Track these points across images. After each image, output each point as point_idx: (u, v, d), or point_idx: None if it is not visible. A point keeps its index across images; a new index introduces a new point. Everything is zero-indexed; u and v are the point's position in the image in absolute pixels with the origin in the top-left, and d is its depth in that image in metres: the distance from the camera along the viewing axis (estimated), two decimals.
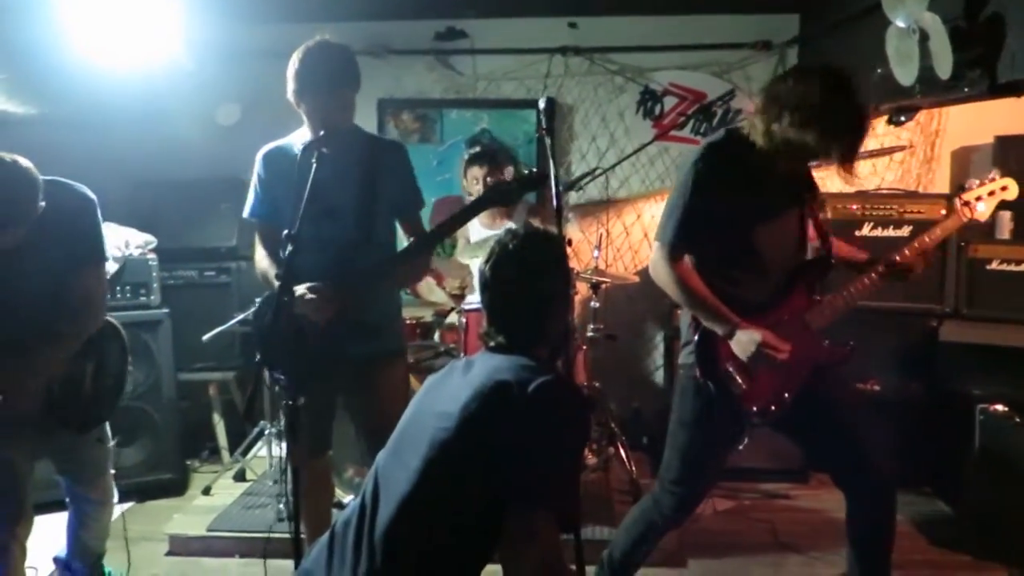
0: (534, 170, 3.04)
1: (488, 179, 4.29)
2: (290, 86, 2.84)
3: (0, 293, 2.73)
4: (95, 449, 3.12)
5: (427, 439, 1.96)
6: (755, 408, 2.72)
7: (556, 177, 2.52)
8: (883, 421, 4.21)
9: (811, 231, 2.86)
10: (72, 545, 3.25)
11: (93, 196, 2.89)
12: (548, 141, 2.55)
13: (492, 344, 2.11)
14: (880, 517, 2.77)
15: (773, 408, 2.72)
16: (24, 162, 2.65)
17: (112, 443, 3.22)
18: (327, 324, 2.79)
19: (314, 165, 2.59)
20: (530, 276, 2.08)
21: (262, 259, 2.98)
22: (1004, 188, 2.93)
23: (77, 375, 2.95)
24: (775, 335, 2.64)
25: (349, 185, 2.90)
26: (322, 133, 2.70)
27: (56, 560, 3.35)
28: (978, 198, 2.92)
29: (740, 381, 2.68)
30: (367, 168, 2.93)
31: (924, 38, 3.04)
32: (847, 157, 2.55)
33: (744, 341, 2.63)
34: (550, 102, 2.58)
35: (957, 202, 2.95)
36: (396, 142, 3.18)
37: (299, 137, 2.98)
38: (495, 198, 2.84)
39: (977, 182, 2.95)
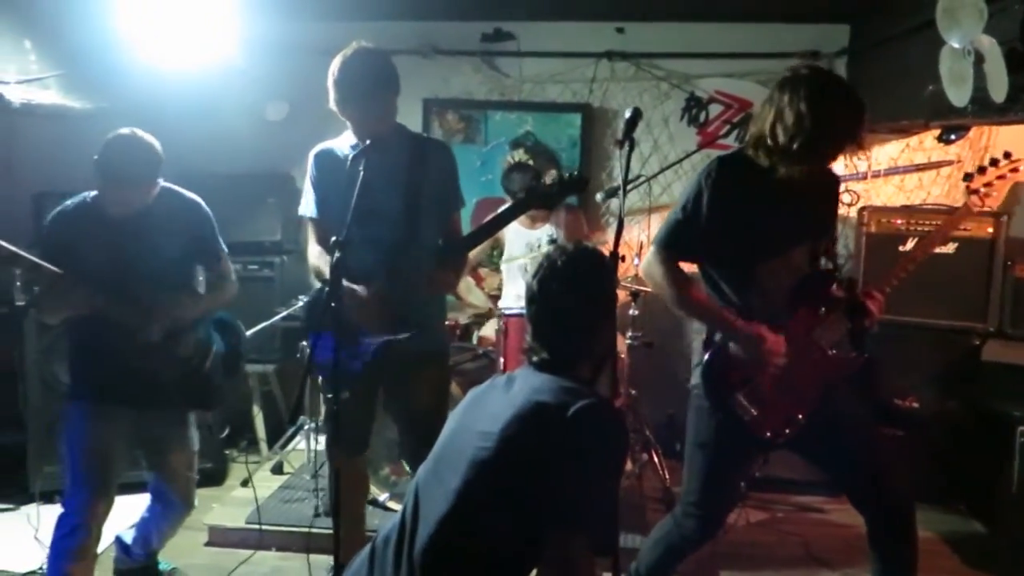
0: (574, 173, 3.03)
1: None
2: (331, 95, 2.89)
3: (120, 254, 2.93)
4: (186, 445, 3.23)
5: (467, 459, 1.96)
6: (768, 434, 2.68)
7: (624, 191, 2.56)
8: (916, 437, 4.26)
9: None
10: (139, 535, 3.34)
11: (205, 205, 3.20)
12: (626, 150, 2.57)
13: (535, 359, 2.11)
14: (898, 538, 2.72)
15: (788, 431, 2.69)
16: (142, 133, 2.93)
17: (197, 447, 3.32)
18: (371, 324, 2.86)
19: (361, 173, 2.65)
20: (578, 295, 2.08)
21: (315, 256, 3.05)
22: (1015, 169, 2.87)
23: (205, 352, 3.15)
24: (773, 334, 2.60)
25: (396, 187, 2.94)
26: (368, 142, 2.75)
27: (118, 539, 3.43)
28: (988, 184, 2.86)
29: (750, 408, 2.64)
30: (413, 169, 2.98)
31: (979, 60, 3.01)
32: (849, 149, 2.59)
33: (746, 342, 2.61)
34: (636, 112, 2.59)
35: (966, 191, 2.90)
36: (442, 142, 3.23)
37: (347, 139, 3.03)
38: (534, 202, 2.88)
39: (987, 167, 2.89)
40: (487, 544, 1.94)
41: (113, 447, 3.01)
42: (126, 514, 3.45)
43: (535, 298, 2.12)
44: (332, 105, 2.89)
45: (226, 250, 3.28)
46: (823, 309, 2.74)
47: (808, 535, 4.09)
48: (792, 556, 3.92)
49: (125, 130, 2.92)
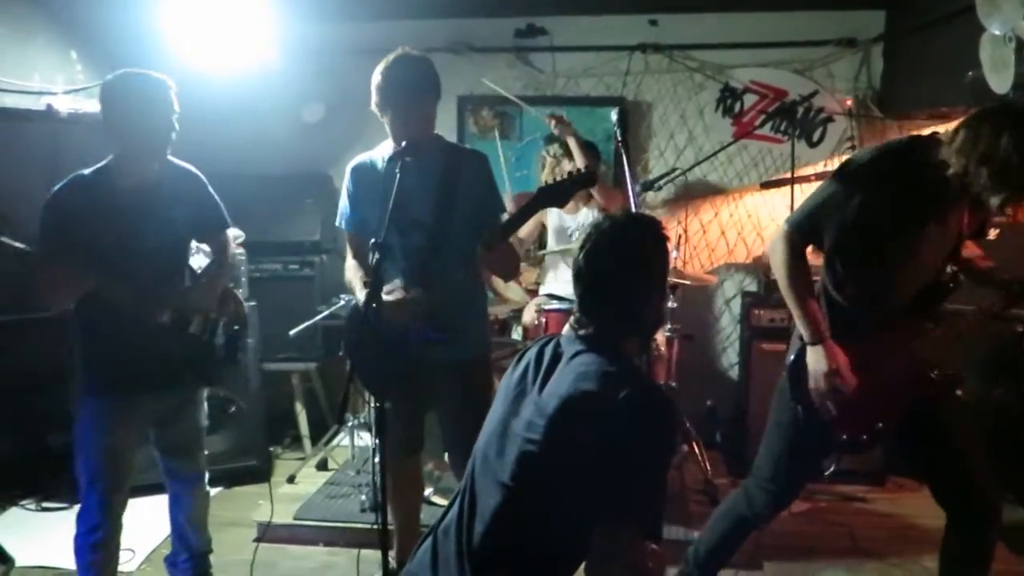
0: (582, 170, 3.05)
1: (559, 167, 4.45)
2: (373, 98, 2.92)
3: (131, 228, 2.88)
4: (197, 420, 3.23)
5: (515, 451, 1.95)
6: (845, 436, 2.66)
7: (634, 191, 2.57)
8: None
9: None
10: (174, 533, 3.36)
11: (200, 173, 3.14)
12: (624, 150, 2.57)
13: (580, 333, 2.05)
14: (980, 544, 2.67)
15: (865, 437, 2.66)
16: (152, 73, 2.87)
17: (206, 422, 3.33)
18: (414, 329, 2.89)
19: (398, 175, 2.67)
20: (625, 261, 2.01)
21: (350, 268, 3.09)
22: None
23: (213, 326, 3.13)
24: (848, 367, 2.55)
25: (430, 194, 2.97)
26: (404, 144, 2.78)
27: (166, 562, 3.44)
28: None
29: (831, 408, 2.60)
30: (448, 178, 3.00)
31: (1020, 46, 2.98)
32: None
33: (817, 360, 2.57)
34: (622, 113, 2.57)
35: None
36: (477, 152, 3.21)
37: (383, 150, 3.06)
38: (547, 200, 2.85)
39: None
40: (539, 535, 1.94)
41: (128, 441, 2.99)
42: (146, 517, 3.49)
43: (581, 271, 2.04)
44: (373, 107, 2.93)
45: (226, 217, 3.24)
46: (930, 323, 2.67)
47: (853, 525, 4.07)
48: (838, 547, 3.90)
49: (133, 71, 2.84)
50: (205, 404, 3.28)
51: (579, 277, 2.05)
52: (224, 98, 4.55)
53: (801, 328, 2.63)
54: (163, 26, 3.94)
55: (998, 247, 4.29)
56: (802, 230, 2.63)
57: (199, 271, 3.25)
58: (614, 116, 2.56)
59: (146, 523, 3.83)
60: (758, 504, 2.90)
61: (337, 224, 3.17)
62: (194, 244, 3.29)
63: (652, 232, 2.07)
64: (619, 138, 2.63)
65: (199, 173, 3.12)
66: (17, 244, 2.77)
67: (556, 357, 2.06)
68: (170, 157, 2.99)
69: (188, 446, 3.23)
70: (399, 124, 2.90)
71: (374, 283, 2.58)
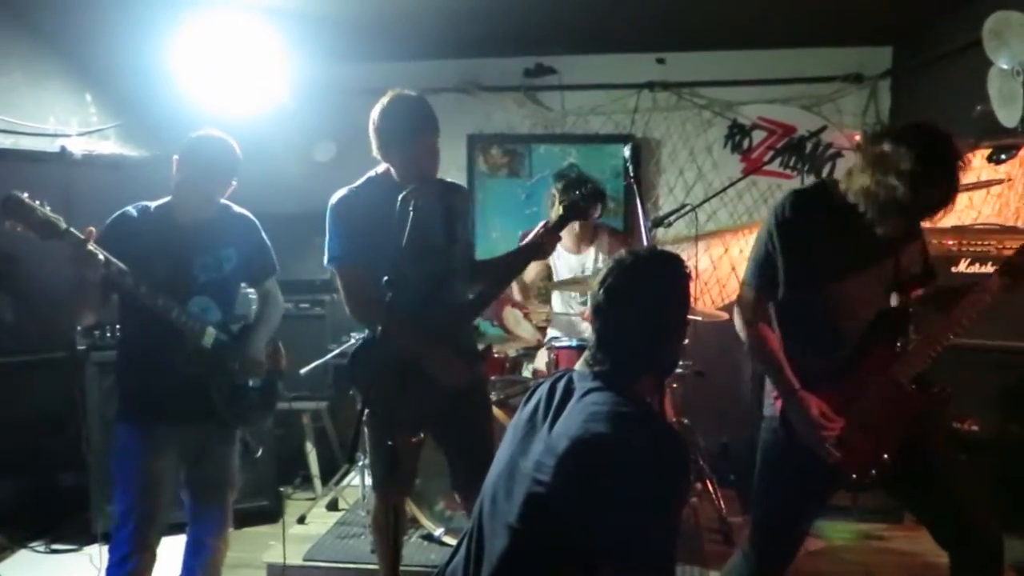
0: (589, 188, 3.11)
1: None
2: (374, 143, 2.95)
3: (186, 262, 2.97)
4: (228, 459, 3.19)
5: (523, 493, 1.90)
6: (855, 475, 2.61)
7: (646, 226, 2.59)
8: (978, 461, 4.17)
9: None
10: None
11: (256, 220, 3.29)
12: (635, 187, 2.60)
13: (595, 369, 1.99)
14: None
15: (874, 472, 2.61)
16: (223, 133, 3.04)
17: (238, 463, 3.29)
18: (452, 373, 2.94)
19: (411, 214, 2.69)
20: (646, 297, 1.96)
21: (361, 304, 3.04)
22: None
23: (253, 368, 3.16)
24: (828, 409, 2.53)
25: (435, 226, 3.00)
26: (412, 187, 2.78)
27: None
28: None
29: (833, 451, 2.55)
30: (449, 206, 3.07)
31: None
32: (932, 216, 2.47)
33: (795, 413, 2.55)
34: (634, 148, 2.61)
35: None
36: (460, 185, 3.29)
37: (371, 182, 3.09)
38: (572, 216, 3.08)
39: None
40: None
41: (164, 473, 2.98)
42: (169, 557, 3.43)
43: (600, 306, 1.98)
44: (375, 153, 2.96)
45: (278, 269, 3.35)
46: (899, 345, 2.65)
47: (871, 563, 4.01)
48: None
49: (210, 129, 3.03)
50: (238, 445, 3.26)
51: (598, 312, 2.00)
52: (236, 138, 4.54)
53: (774, 384, 2.64)
54: (177, 67, 3.99)
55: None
56: (759, 286, 2.65)
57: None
58: (627, 152, 2.60)
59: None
60: (755, 566, 2.83)
61: (328, 262, 3.13)
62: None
63: (674, 268, 2.03)
64: (631, 175, 2.66)
65: (254, 218, 3.24)
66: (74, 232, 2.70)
67: (567, 393, 2.01)
68: (228, 202, 3.12)
69: (220, 484, 3.19)
70: (409, 162, 2.91)
71: (387, 322, 2.60)
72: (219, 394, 3.03)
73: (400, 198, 2.81)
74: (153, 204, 3.01)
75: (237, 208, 3.19)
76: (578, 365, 2.08)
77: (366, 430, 3.13)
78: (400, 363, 2.75)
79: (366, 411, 2.61)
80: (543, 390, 2.09)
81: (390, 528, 3.07)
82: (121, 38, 4.21)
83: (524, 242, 3.11)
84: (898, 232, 2.49)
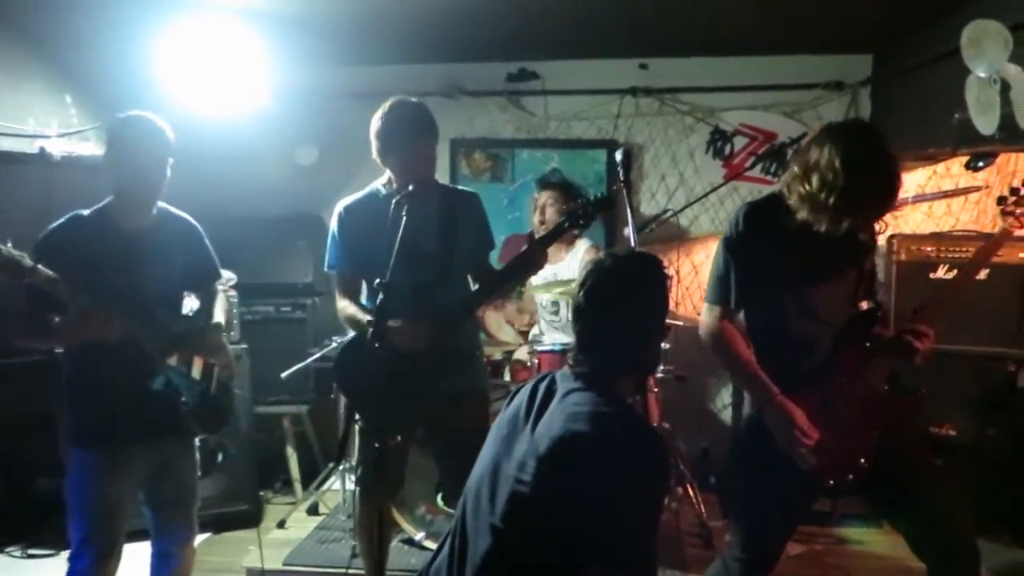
0: (602, 195, 3.10)
1: (551, 207, 4.54)
2: (374, 145, 2.97)
3: (131, 270, 2.81)
4: (191, 470, 3.10)
5: (505, 493, 1.92)
6: (832, 481, 2.60)
7: (635, 231, 2.59)
8: (955, 466, 4.21)
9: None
10: None
11: (197, 223, 3.13)
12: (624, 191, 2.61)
13: (576, 371, 2.02)
14: None
15: (851, 477, 2.60)
16: (154, 117, 2.86)
17: (199, 472, 3.21)
18: (417, 360, 2.90)
19: (404, 218, 2.72)
20: (628, 299, 1.98)
21: (347, 306, 3.07)
22: None
23: (210, 372, 3.05)
24: (805, 418, 2.53)
25: (432, 233, 3.03)
26: (411, 188, 2.81)
27: None
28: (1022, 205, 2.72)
29: (810, 458, 2.54)
30: (447, 217, 3.07)
31: (1005, 88, 3.02)
32: (874, 219, 2.50)
33: (774, 419, 2.54)
34: (626, 153, 2.63)
35: (1001, 215, 2.77)
36: (472, 192, 3.28)
37: (374, 189, 3.10)
38: (573, 222, 3.01)
39: (1019, 187, 2.75)
40: None
41: (123, 496, 2.85)
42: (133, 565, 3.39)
43: (581, 307, 2.01)
44: (375, 155, 2.97)
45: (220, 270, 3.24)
46: (870, 349, 2.65)
47: (851, 567, 4.04)
48: None
49: (139, 113, 2.84)
50: (197, 454, 3.17)
51: (579, 313, 2.03)
52: (218, 141, 4.57)
53: (750, 394, 2.66)
54: (158, 70, 3.97)
55: (988, 288, 4.35)
56: (722, 303, 2.64)
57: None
58: (619, 156, 2.62)
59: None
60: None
61: (327, 267, 3.16)
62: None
63: (654, 270, 2.06)
64: (621, 179, 2.68)
65: (195, 222, 3.11)
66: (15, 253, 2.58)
67: (549, 394, 2.03)
68: (166, 205, 2.98)
69: (183, 498, 3.09)
70: (405, 166, 2.96)
71: (378, 326, 2.60)
72: (184, 406, 2.92)
73: (394, 202, 2.82)
74: (87, 211, 2.84)
75: (177, 212, 3.05)
76: (564, 368, 2.10)
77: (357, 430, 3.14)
78: (387, 364, 2.75)
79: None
80: (525, 391, 2.11)
81: (375, 531, 3.06)
82: (102, 40, 4.19)
83: (520, 253, 3.10)
84: (846, 229, 2.45)
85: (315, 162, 5.40)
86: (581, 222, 3.05)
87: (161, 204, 2.95)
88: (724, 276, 2.61)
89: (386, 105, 2.97)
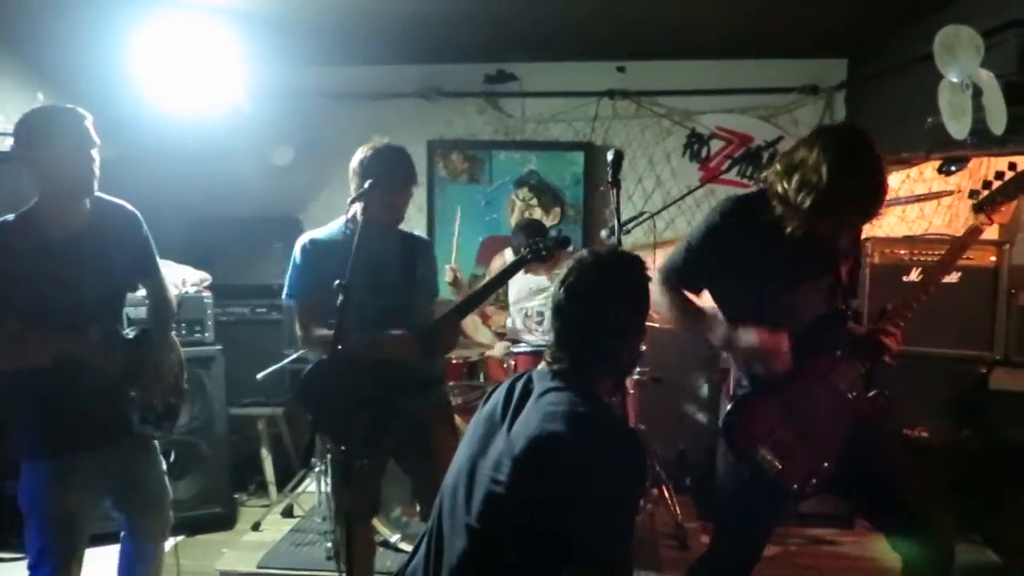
0: (562, 235, 3.22)
1: (528, 211, 4.68)
2: (358, 177, 2.99)
3: (66, 280, 2.66)
4: (155, 478, 3.03)
5: (481, 493, 1.91)
6: (795, 485, 2.61)
7: (620, 232, 2.61)
8: (928, 467, 4.25)
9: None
10: None
11: (136, 211, 2.93)
12: (615, 192, 2.63)
13: (554, 368, 2.00)
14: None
15: (814, 480, 2.61)
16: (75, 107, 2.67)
17: (167, 480, 3.13)
18: (387, 382, 2.96)
19: (357, 242, 2.75)
20: (608, 297, 1.97)
21: (314, 329, 3.06)
22: (1020, 180, 2.73)
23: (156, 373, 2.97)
24: (770, 335, 2.54)
25: (394, 267, 3.11)
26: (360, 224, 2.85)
27: None
28: (994, 200, 2.73)
29: (775, 462, 2.58)
30: (408, 255, 3.16)
31: (977, 93, 3.05)
32: (856, 225, 2.52)
33: (742, 339, 2.57)
34: (618, 154, 2.65)
35: (972, 210, 2.78)
36: (427, 240, 3.39)
37: (333, 227, 3.16)
38: (534, 256, 3.16)
39: (992, 181, 2.76)
40: None
41: (82, 507, 2.75)
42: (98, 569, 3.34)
43: (561, 305, 1.99)
44: (353, 191, 2.98)
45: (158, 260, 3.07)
46: (838, 352, 2.64)
47: (823, 568, 4.06)
48: None
49: (48, 105, 2.67)
50: (159, 452, 3.07)
51: (558, 310, 2.00)
52: (193, 140, 4.54)
53: (711, 338, 2.68)
54: (132, 68, 3.93)
55: (960, 291, 4.40)
56: (668, 277, 2.70)
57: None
58: (610, 156, 2.65)
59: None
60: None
61: (287, 296, 3.16)
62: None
63: (636, 268, 2.04)
64: (609, 180, 2.71)
65: (134, 210, 2.90)
66: None
67: (526, 393, 2.01)
68: (101, 194, 2.76)
69: (157, 500, 3.03)
70: (386, 206, 3.02)
71: (338, 329, 2.59)
72: (132, 408, 2.85)
73: (360, 229, 2.84)
74: (12, 216, 2.65)
75: (113, 200, 2.82)
76: (540, 365, 2.08)
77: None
78: (356, 388, 2.78)
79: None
80: (501, 390, 2.09)
81: (345, 547, 3.03)
82: (76, 37, 4.14)
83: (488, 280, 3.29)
84: (824, 233, 2.47)
85: (291, 163, 5.36)
86: (543, 254, 3.16)
87: (95, 194, 2.74)
88: (685, 252, 2.66)
89: (376, 145, 3.03)
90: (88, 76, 4.22)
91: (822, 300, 2.67)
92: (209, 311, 4.63)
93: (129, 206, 2.89)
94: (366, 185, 2.92)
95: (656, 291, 2.66)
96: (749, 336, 2.56)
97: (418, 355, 2.98)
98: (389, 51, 5.09)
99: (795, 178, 2.43)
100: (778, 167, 2.52)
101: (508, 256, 4.84)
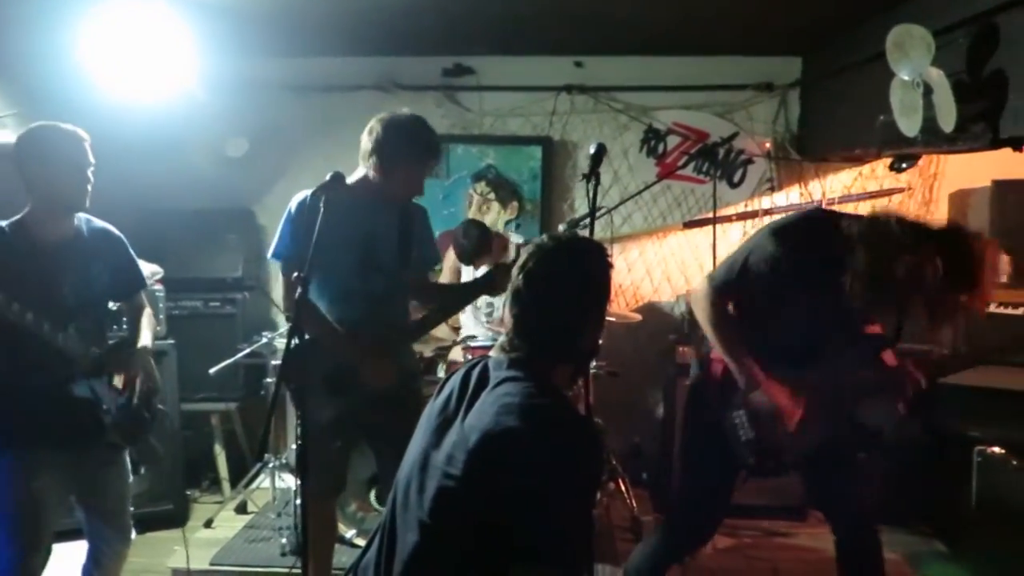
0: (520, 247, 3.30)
1: (486, 205, 4.70)
2: (379, 152, 2.96)
3: (50, 280, 2.79)
4: (119, 479, 3.08)
5: (433, 487, 1.86)
6: (752, 460, 2.74)
7: (593, 224, 2.63)
8: (879, 459, 4.33)
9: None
10: None
11: (121, 234, 3.07)
12: (592, 184, 2.65)
13: (511, 356, 1.94)
14: (864, 556, 2.86)
15: (772, 465, 2.76)
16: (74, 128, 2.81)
17: (131, 479, 3.18)
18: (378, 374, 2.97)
19: (322, 210, 2.67)
20: (569, 282, 1.93)
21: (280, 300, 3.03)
22: None
23: (132, 384, 3.04)
24: (789, 403, 2.65)
25: (391, 244, 3.06)
26: (325, 183, 2.78)
27: None
28: None
29: (748, 430, 2.68)
30: (405, 228, 3.11)
31: (928, 91, 3.10)
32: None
33: (762, 398, 2.68)
34: (600, 147, 2.67)
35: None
36: (421, 206, 3.29)
37: (352, 188, 3.04)
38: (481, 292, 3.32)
39: None
40: (459, 575, 1.86)
41: (46, 498, 2.80)
42: (65, 565, 3.30)
43: (520, 290, 1.93)
44: (368, 160, 2.97)
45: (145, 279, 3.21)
46: (863, 374, 2.72)
47: (776, 559, 4.12)
48: None
49: (45, 123, 2.80)
50: (128, 463, 3.14)
51: (516, 296, 1.94)
52: (145, 130, 4.45)
53: (738, 378, 2.72)
54: (82, 56, 3.84)
55: None
56: (720, 289, 2.74)
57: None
58: (592, 149, 2.66)
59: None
60: (678, 542, 2.99)
61: (272, 255, 3.06)
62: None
63: (596, 255, 2.00)
64: (585, 173, 2.71)
65: (118, 232, 3.05)
66: None
67: (482, 382, 1.96)
68: (88, 216, 2.94)
69: (114, 507, 3.08)
70: (409, 179, 3.01)
71: (299, 317, 2.56)
72: (105, 415, 2.90)
73: (311, 195, 2.81)
74: (5, 223, 2.79)
75: (99, 222, 3.00)
76: (493, 351, 2.03)
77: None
78: (332, 368, 2.83)
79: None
80: (456, 379, 2.04)
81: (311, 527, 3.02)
82: (23, 24, 4.03)
83: (479, 277, 3.37)
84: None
85: (246, 155, 5.27)
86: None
87: (81, 214, 2.90)
88: (740, 267, 2.68)
89: (402, 116, 3.03)
90: (36, 65, 4.13)
91: (830, 332, 2.72)
92: (161, 305, 4.56)
93: (115, 229, 3.04)
94: (371, 158, 2.91)
95: (701, 303, 2.75)
96: (770, 398, 2.66)
97: (391, 383, 2.97)
98: (346, 43, 5.03)
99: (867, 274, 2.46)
100: (865, 257, 2.49)
101: (452, 256, 4.81)
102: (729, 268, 2.73)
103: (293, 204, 3.05)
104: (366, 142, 3.00)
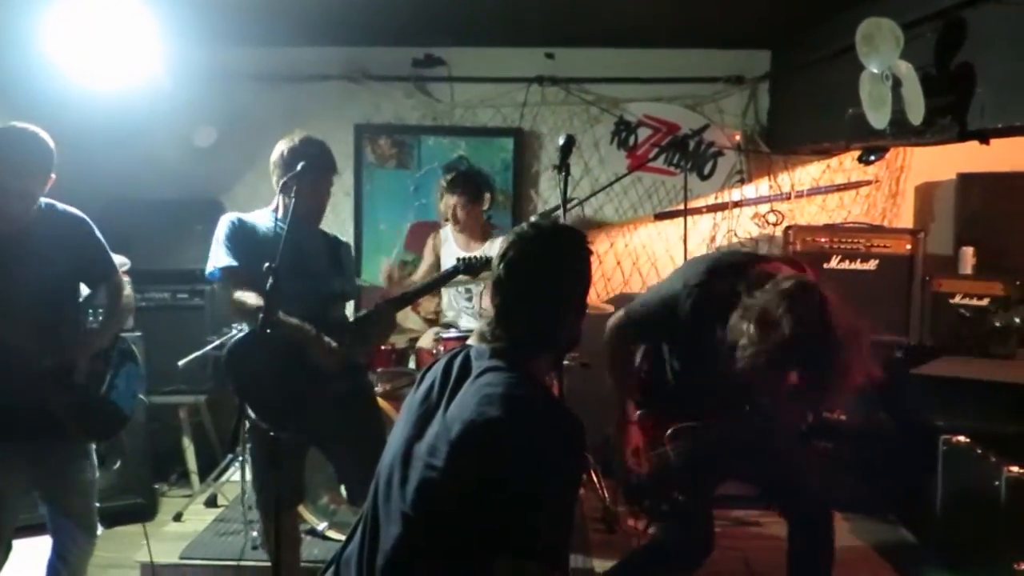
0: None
1: (461, 209, 4.64)
2: (281, 171, 3.04)
3: (8, 271, 2.77)
4: (84, 474, 3.05)
5: (416, 479, 1.85)
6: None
7: (565, 215, 2.67)
8: (845, 449, 4.40)
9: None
10: None
11: (87, 217, 3.02)
12: (563, 176, 2.69)
13: (493, 346, 1.93)
14: (816, 542, 2.95)
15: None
16: (41, 132, 2.78)
17: (97, 474, 3.16)
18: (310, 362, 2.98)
19: (296, 236, 2.86)
20: (550, 271, 1.91)
21: (248, 296, 2.99)
22: None
23: (100, 380, 3.02)
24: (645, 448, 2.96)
25: (321, 260, 3.20)
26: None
27: None
28: None
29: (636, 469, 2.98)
30: (332, 252, 3.28)
31: (897, 84, 3.13)
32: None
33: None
34: (570, 139, 2.70)
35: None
36: (346, 242, 3.46)
37: (261, 215, 3.20)
38: (466, 271, 3.51)
39: None
40: (443, 567, 1.85)
41: (7, 491, 2.82)
42: (29, 559, 3.31)
43: (501, 279, 1.92)
44: (283, 176, 3.01)
45: (115, 262, 3.15)
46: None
47: (747, 549, 4.14)
48: (731, 570, 3.95)
49: (11, 126, 2.77)
50: (94, 457, 3.12)
51: (498, 285, 1.94)
52: (110, 119, 4.38)
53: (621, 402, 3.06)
54: (46, 43, 3.76)
55: (877, 278, 4.54)
56: (626, 328, 2.94)
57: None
58: (562, 140, 2.68)
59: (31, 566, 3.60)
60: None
61: (214, 270, 3.11)
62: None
63: (576, 243, 1.99)
64: (556, 165, 2.76)
65: (86, 218, 3.00)
66: None
67: (464, 371, 1.95)
68: (54, 202, 2.91)
69: (78, 502, 3.06)
70: (315, 191, 3.11)
71: (269, 307, 2.56)
72: (66, 411, 2.87)
73: (290, 218, 2.93)
74: None
75: (63, 206, 2.96)
76: (473, 339, 2.02)
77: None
78: (283, 363, 2.81)
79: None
80: (438, 368, 2.03)
81: (270, 541, 3.03)
82: None
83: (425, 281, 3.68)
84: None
85: (214, 144, 5.20)
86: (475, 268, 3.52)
87: (46, 200, 2.86)
88: (649, 312, 2.85)
89: (300, 135, 3.11)
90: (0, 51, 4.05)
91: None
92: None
93: (79, 213, 2.99)
94: (298, 167, 2.93)
95: (611, 332, 2.93)
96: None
97: (339, 368, 3.02)
98: (316, 32, 4.98)
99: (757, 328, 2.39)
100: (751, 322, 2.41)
101: (443, 236, 4.84)
102: (641, 306, 2.91)
103: (224, 225, 3.11)
104: (272, 166, 3.14)
